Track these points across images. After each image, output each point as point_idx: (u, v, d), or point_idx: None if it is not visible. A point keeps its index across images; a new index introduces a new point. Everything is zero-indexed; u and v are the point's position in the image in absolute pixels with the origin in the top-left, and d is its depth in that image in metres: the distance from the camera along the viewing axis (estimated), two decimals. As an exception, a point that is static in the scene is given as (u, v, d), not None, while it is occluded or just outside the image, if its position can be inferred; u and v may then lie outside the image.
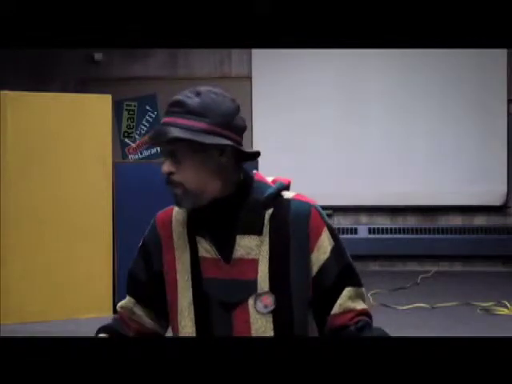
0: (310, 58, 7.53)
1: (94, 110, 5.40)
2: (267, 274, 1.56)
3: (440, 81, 7.54)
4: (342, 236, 1.64)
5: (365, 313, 1.60)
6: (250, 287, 1.56)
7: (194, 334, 1.60)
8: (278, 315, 1.56)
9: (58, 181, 5.26)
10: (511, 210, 7.62)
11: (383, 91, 7.61)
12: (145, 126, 7.95)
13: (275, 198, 1.60)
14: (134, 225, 4.99)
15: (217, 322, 1.58)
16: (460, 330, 4.67)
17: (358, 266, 1.65)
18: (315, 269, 1.58)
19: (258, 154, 1.59)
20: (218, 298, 1.58)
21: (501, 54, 7.45)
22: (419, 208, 7.63)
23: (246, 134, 1.63)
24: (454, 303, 5.61)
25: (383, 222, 7.74)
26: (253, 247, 1.57)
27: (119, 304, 1.75)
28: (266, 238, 1.58)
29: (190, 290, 1.61)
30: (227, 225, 1.58)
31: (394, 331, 1.68)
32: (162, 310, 1.68)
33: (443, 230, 7.58)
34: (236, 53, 7.85)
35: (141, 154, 7.97)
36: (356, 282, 1.61)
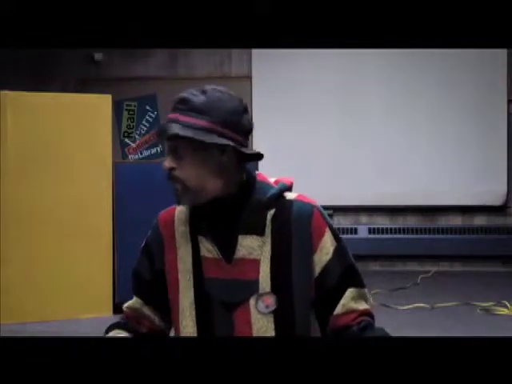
0: (309, 58, 7.52)
1: (94, 110, 5.39)
2: (269, 275, 1.56)
3: (440, 81, 7.54)
4: (342, 236, 1.64)
5: (367, 313, 1.61)
6: (252, 287, 1.56)
7: (196, 334, 1.60)
8: (280, 315, 1.56)
9: (57, 181, 5.26)
10: (511, 210, 7.62)
11: (383, 91, 7.60)
12: (145, 126, 7.95)
13: (277, 198, 1.60)
14: (134, 225, 4.99)
15: (218, 322, 1.58)
16: (460, 330, 4.67)
17: (358, 266, 1.65)
18: (318, 269, 1.58)
19: (261, 155, 1.57)
20: (220, 298, 1.58)
21: (501, 54, 7.44)
22: (419, 208, 7.63)
23: (246, 134, 1.62)
24: (454, 303, 5.60)
25: (383, 221, 7.74)
26: (255, 247, 1.57)
27: (126, 304, 1.74)
28: (267, 239, 1.57)
29: (192, 289, 1.61)
30: (229, 225, 1.58)
31: (394, 331, 1.68)
32: (166, 309, 1.68)
33: (443, 230, 7.57)
34: (236, 53, 7.84)
35: (141, 153, 7.97)
36: (359, 283, 1.61)
